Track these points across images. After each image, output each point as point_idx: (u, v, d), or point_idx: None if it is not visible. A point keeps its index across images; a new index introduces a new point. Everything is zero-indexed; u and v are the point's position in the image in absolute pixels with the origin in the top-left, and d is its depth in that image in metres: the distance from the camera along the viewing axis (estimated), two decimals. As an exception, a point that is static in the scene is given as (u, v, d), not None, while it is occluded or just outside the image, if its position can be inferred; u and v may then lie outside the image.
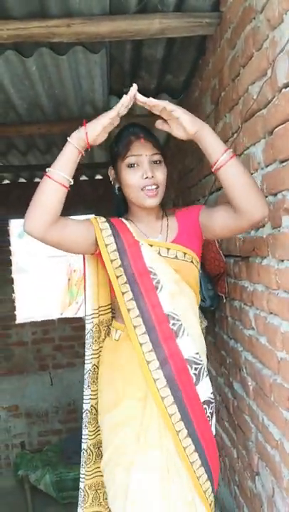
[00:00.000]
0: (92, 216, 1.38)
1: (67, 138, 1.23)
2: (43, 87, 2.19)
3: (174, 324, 1.31)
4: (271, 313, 1.29)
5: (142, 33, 1.67)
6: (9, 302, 4.48)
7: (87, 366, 1.47)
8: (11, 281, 4.49)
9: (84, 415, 1.47)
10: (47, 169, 1.23)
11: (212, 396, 1.37)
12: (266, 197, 1.26)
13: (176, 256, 1.34)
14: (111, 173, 1.41)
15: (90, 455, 1.49)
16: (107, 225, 1.33)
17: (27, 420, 4.46)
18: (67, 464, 3.69)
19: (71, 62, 1.98)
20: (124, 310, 1.31)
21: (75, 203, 4.84)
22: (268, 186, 1.25)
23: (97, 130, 1.20)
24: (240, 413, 1.69)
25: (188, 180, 2.48)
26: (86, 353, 1.46)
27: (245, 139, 1.41)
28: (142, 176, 1.30)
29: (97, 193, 4.45)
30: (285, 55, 1.07)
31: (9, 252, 4.49)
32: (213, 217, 1.32)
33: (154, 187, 1.30)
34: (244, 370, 1.61)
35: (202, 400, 1.33)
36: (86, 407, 1.47)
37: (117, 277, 1.31)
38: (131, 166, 1.31)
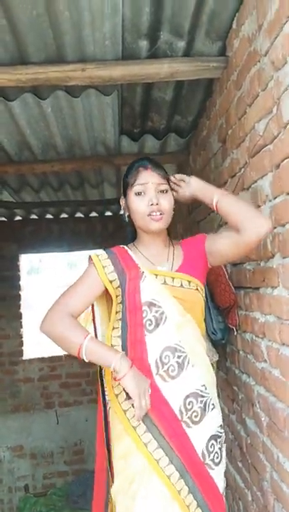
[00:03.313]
0: (93, 253, 1.42)
1: (115, 359, 1.25)
2: (57, 127, 2.30)
3: (178, 357, 1.32)
4: (284, 344, 1.28)
5: (152, 77, 1.76)
6: (17, 338, 4.46)
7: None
8: (20, 316, 4.49)
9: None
10: (82, 350, 1.29)
11: (220, 430, 1.35)
12: (275, 228, 1.29)
13: (182, 284, 1.38)
14: (122, 202, 1.47)
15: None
16: (108, 261, 1.38)
17: (31, 461, 4.31)
18: (73, 508, 3.54)
19: (84, 104, 2.09)
20: (108, 343, 1.34)
21: (85, 239, 4.93)
22: (276, 217, 1.28)
23: (129, 387, 1.24)
24: (254, 451, 1.63)
25: (197, 215, 2.52)
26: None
27: (253, 173, 1.46)
28: (148, 203, 1.36)
29: (107, 230, 4.52)
30: (289, 93, 1.12)
31: (19, 287, 4.52)
32: (218, 241, 1.39)
33: (158, 213, 1.36)
34: (257, 405, 1.57)
35: (209, 435, 1.31)
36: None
37: (116, 312, 1.35)
38: (138, 194, 1.38)
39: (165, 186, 1.40)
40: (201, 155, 2.34)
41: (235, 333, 1.82)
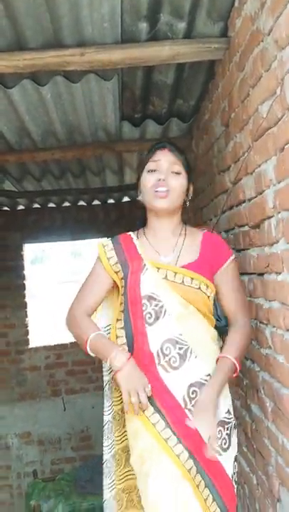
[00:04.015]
0: (99, 243, 1.43)
1: (111, 355, 1.29)
2: (57, 114, 2.27)
3: (180, 349, 1.31)
4: (288, 330, 1.27)
5: (152, 60, 1.73)
6: (22, 327, 4.48)
7: (106, 378, 1.48)
8: (25, 305, 4.50)
9: (105, 427, 1.48)
10: (89, 340, 1.34)
11: (228, 416, 1.34)
12: (279, 212, 1.27)
13: (183, 281, 1.35)
14: (138, 183, 1.46)
15: (119, 460, 1.47)
16: (113, 252, 1.40)
17: (39, 448, 4.38)
18: (81, 493, 3.59)
19: (84, 89, 2.06)
20: (113, 336, 1.37)
21: (88, 227, 4.92)
22: (280, 202, 1.25)
23: (120, 383, 1.28)
24: (259, 436, 1.64)
25: (200, 201, 2.50)
26: (104, 366, 1.48)
27: (257, 157, 1.43)
28: (157, 178, 1.35)
29: (109, 218, 4.50)
30: (293, 73, 1.09)
31: (23, 277, 4.52)
32: (223, 297, 1.43)
33: (164, 189, 1.34)
34: (262, 390, 1.57)
35: (216, 421, 1.31)
36: (107, 418, 1.48)
37: (120, 304, 1.37)
38: (151, 171, 1.37)
39: (179, 168, 1.38)
40: (204, 139, 2.30)
41: (240, 319, 1.81)
